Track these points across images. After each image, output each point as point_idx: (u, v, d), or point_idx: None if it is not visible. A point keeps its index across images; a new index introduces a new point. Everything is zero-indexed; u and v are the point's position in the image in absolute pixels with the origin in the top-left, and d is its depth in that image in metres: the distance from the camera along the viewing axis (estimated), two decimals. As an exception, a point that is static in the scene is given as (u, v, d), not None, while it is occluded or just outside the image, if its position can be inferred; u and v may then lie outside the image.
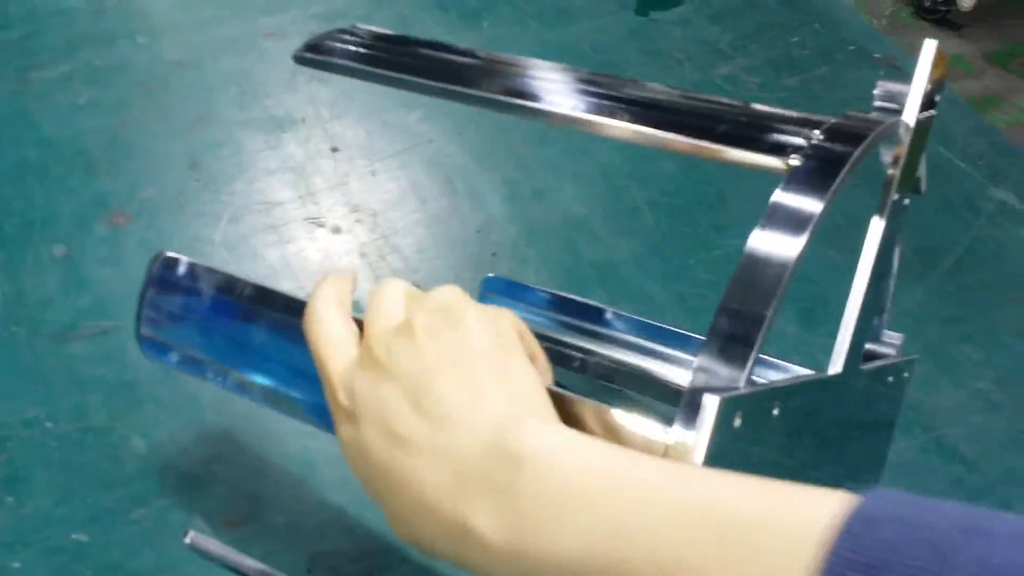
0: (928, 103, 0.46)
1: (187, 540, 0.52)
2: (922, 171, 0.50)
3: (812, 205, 0.36)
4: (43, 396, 0.66)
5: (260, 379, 0.48)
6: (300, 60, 0.52)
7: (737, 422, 0.33)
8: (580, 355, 0.68)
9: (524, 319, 0.71)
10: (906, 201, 0.47)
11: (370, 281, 0.76)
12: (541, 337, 0.70)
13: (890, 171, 0.45)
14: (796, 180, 0.37)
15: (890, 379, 0.57)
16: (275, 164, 0.85)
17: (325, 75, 0.93)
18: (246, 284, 0.45)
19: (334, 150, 0.87)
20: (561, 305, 0.70)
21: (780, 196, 0.37)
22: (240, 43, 0.98)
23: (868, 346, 0.60)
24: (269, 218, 0.81)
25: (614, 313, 0.68)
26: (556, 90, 0.48)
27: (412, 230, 0.82)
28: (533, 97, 0.46)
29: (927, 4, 2.50)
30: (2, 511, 0.60)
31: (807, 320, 0.72)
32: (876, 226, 0.44)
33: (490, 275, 0.73)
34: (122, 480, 0.62)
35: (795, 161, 0.39)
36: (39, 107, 0.88)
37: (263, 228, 0.80)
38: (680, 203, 0.86)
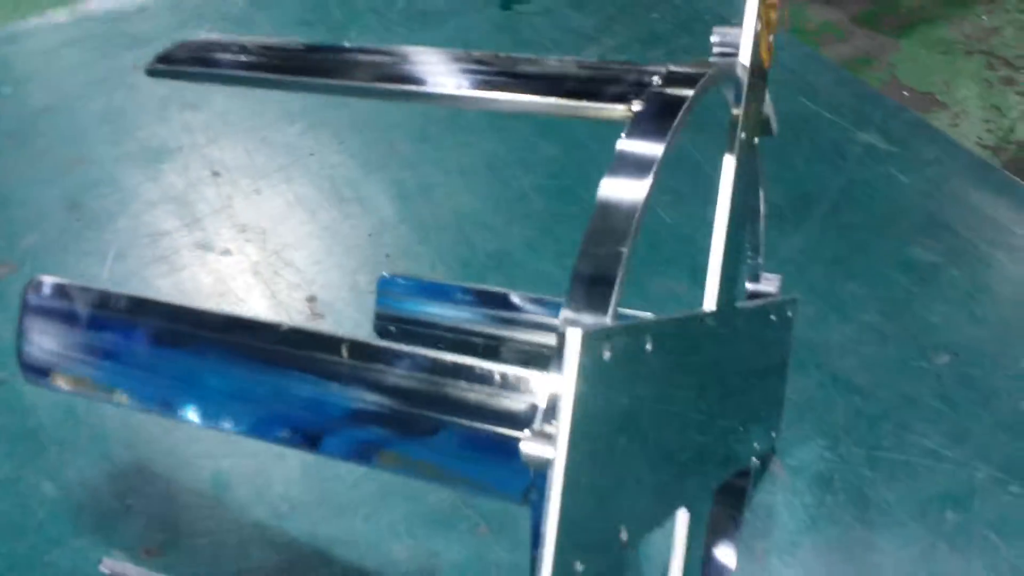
0: (765, 44, 0.48)
1: (103, 569, 0.51)
2: (770, 112, 0.52)
3: (653, 148, 0.38)
4: (-58, 455, 0.65)
5: (168, 397, 0.47)
6: (153, 72, 0.52)
7: (607, 355, 0.34)
8: (481, 340, 0.69)
9: (424, 313, 0.73)
10: (756, 140, 0.49)
11: (267, 298, 0.76)
12: (442, 328, 0.72)
13: (734, 111, 0.47)
14: (638, 125, 0.39)
15: (773, 318, 0.59)
16: (156, 195, 0.85)
17: (197, 101, 0.93)
18: (121, 297, 0.44)
19: (215, 174, 0.87)
20: (458, 294, 0.71)
21: (624, 143, 0.38)
22: (108, 81, 0.97)
23: (749, 287, 0.62)
24: (157, 249, 0.80)
25: (514, 295, 0.69)
26: (408, 71, 0.49)
27: (304, 243, 0.82)
28: (385, 79, 0.47)
29: (791, -26, 2.57)
30: (-89, 574, 0.59)
31: (696, 278, 0.74)
32: (728, 163, 0.46)
33: (384, 274, 0.74)
34: (34, 527, 0.61)
35: (637, 107, 0.40)
36: (-94, 169, 0.86)
37: (152, 260, 0.79)
38: (565, 184, 0.88)
